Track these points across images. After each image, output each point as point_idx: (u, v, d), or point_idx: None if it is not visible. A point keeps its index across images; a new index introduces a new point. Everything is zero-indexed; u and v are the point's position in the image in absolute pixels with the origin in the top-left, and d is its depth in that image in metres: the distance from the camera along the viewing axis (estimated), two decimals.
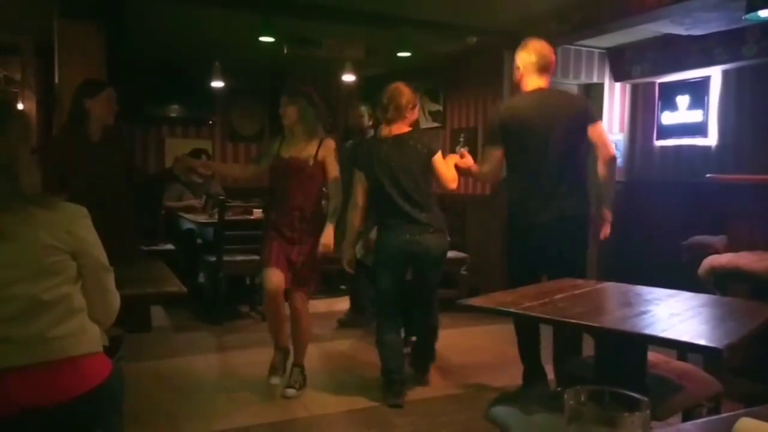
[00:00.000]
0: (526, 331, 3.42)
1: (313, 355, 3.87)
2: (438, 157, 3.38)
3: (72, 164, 3.30)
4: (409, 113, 3.40)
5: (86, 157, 3.33)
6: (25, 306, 1.56)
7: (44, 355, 1.57)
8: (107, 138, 3.45)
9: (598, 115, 3.58)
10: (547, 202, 3.16)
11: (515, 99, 3.50)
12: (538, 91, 3.23)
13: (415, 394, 3.55)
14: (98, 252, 1.72)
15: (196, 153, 6.27)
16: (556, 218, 3.16)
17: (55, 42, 4.22)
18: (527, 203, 3.23)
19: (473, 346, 4.49)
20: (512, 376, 3.79)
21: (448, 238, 3.56)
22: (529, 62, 3.19)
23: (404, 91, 3.37)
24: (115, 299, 1.80)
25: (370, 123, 4.96)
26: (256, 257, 5.09)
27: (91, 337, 1.69)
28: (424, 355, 3.78)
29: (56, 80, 4.24)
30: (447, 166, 3.41)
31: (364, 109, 4.96)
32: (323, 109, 3.64)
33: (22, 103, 5.06)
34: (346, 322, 5.07)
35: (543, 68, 3.20)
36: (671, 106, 5.77)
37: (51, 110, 4.48)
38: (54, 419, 1.57)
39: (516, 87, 3.31)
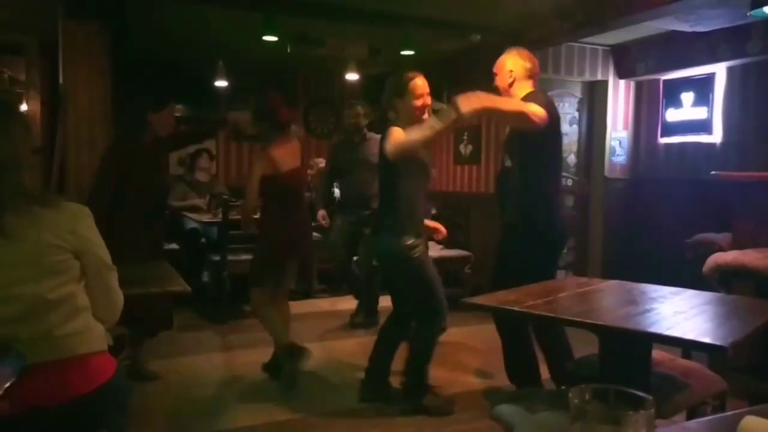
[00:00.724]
0: (515, 341, 3.26)
1: (318, 353, 3.88)
2: None
3: (129, 172, 3.46)
4: None
5: (143, 166, 3.54)
6: (30, 305, 1.57)
7: (50, 354, 1.58)
8: (157, 146, 3.75)
9: None
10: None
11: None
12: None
13: None
14: (101, 251, 1.73)
15: (198, 153, 6.29)
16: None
17: (60, 42, 4.23)
18: (557, 204, 3.24)
19: (477, 344, 4.49)
20: None
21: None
22: (524, 68, 3.16)
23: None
24: (119, 298, 1.81)
25: (367, 122, 4.99)
26: None
27: (95, 336, 1.70)
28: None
29: (60, 80, 4.25)
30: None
31: (360, 108, 4.98)
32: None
33: (27, 103, 5.06)
34: (359, 324, 5.03)
35: (534, 75, 3.19)
36: (676, 103, 5.75)
37: (55, 110, 4.48)
38: (59, 418, 1.57)
39: (498, 91, 3.17)
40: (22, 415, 1.53)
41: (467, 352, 4.30)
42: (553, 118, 3.02)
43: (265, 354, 3.88)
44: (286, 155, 3.62)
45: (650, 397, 0.79)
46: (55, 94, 4.48)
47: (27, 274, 1.57)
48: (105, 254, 1.74)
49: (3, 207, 1.56)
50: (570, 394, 0.81)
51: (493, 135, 6.01)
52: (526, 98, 3.03)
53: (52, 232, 1.61)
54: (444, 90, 6.79)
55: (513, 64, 3.18)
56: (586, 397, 0.81)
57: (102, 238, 1.75)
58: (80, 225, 1.67)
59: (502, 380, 3.72)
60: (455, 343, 4.31)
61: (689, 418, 2.15)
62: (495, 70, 3.22)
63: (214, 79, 6.54)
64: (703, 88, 5.50)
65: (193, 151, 6.26)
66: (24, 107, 4.99)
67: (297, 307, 4.05)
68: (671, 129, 5.83)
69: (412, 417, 3.22)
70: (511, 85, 3.16)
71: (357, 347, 4.41)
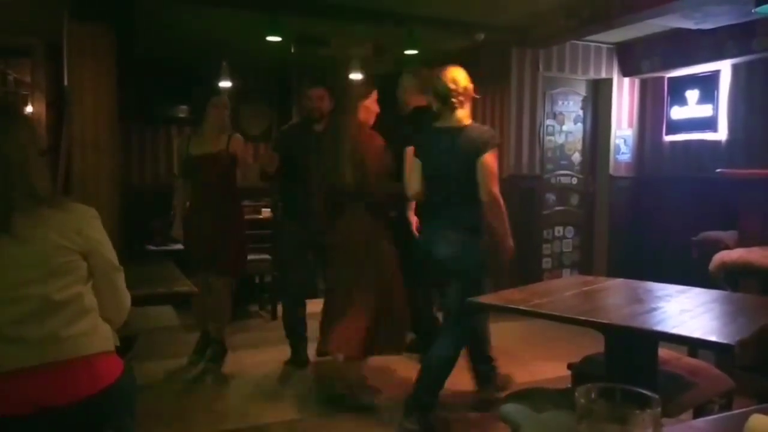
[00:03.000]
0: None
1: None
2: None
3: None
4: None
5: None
6: (37, 306, 1.57)
7: (57, 355, 1.59)
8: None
9: None
10: None
11: None
12: None
13: None
14: (108, 252, 1.74)
15: None
16: None
17: (65, 44, 4.24)
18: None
19: None
20: (523, 373, 3.79)
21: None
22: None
23: None
24: (126, 298, 1.82)
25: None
26: (266, 256, 5.14)
27: (103, 337, 1.71)
28: None
29: (66, 82, 4.26)
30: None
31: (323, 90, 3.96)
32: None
33: (32, 105, 5.08)
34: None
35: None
36: (681, 100, 5.73)
37: (61, 112, 4.50)
38: (66, 418, 1.58)
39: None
40: (29, 416, 1.53)
41: None
42: None
43: (271, 353, 3.88)
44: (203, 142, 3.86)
45: (657, 396, 0.79)
46: (61, 95, 4.49)
47: (34, 275, 1.58)
48: (112, 255, 1.75)
49: (11, 208, 1.57)
50: (576, 393, 0.81)
51: (497, 134, 6.00)
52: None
53: (60, 233, 1.61)
54: None
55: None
56: (593, 396, 0.81)
57: (109, 239, 1.76)
58: (87, 226, 1.68)
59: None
60: None
61: (696, 416, 2.14)
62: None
63: (219, 80, 6.55)
64: (708, 85, 5.48)
65: None
66: (29, 109, 5.01)
67: (313, 306, 4.03)
68: (676, 127, 5.81)
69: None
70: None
71: None
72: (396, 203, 3.54)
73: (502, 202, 2.95)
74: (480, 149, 2.89)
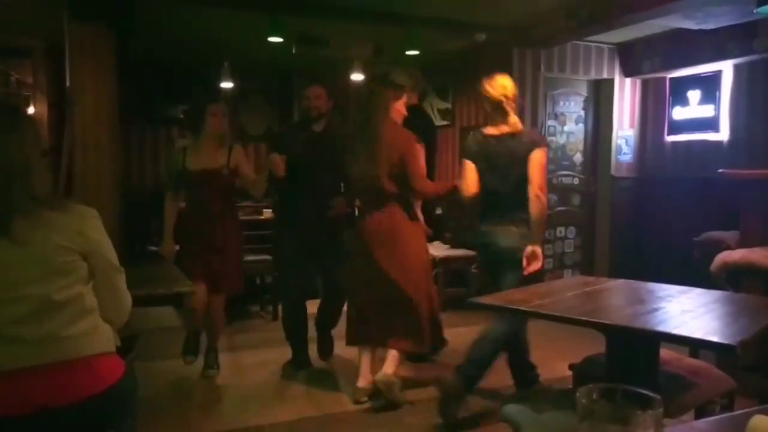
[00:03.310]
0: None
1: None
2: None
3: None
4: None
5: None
6: (37, 306, 1.57)
7: (57, 355, 1.59)
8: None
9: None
10: None
11: None
12: None
13: (426, 392, 3.54)
14: (109, 252, 1.74)
15: None
16: None
17: (66, 44, 4.25)
18: None
19: None
20: None
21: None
22: None
23: None
24: (127, 299, 1.82)
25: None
26: (266, 257, 5.14)
27: (103, 337, 1.70)
28: None
29: (67, 82, 4.26)
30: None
31: (321, 89, 3.84)
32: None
33: (34, 105, 5.09)
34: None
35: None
36: (682, 101, 5.73)
37: (62, 113, 4.50)
38: (67, 419, 1.58)
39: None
40: (30, 416, 1.53)
41: None
42: None
43: (272, 354, 3.88)
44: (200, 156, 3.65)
45: (658, 397, 0.78)
46: (62, 96, 4.50)
47: (34, 275, 1.58)
48: (112, 256, 1.75)
49: (12, 212, 1.57)
50: (578, 394, 0.81)
51: None
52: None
53: (60, 234, 1.61)
54: (449, 89, 6.80)
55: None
56: (594, 396, 0.81)
57: (110, 240, 1.75)
58: (88, 226, 1.68)
59: (509, 380, 3.72)
60: (461, 342, 4.29)
61: (697, 417, 2.14)
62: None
63: (220, 80, 6.56)
64: (709, 85, 5.47)
65: None
66: (31, 109, 5.02)
67: (311, 306, 4.04)
68: (678, 127, 5.81)
69: (420, 416, 3.22)
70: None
71: None
72: (440, 201, 3.61)
73: (545, 198, 3.15)
74: (531, 149, 3.14)
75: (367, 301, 3.42)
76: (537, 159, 3.12)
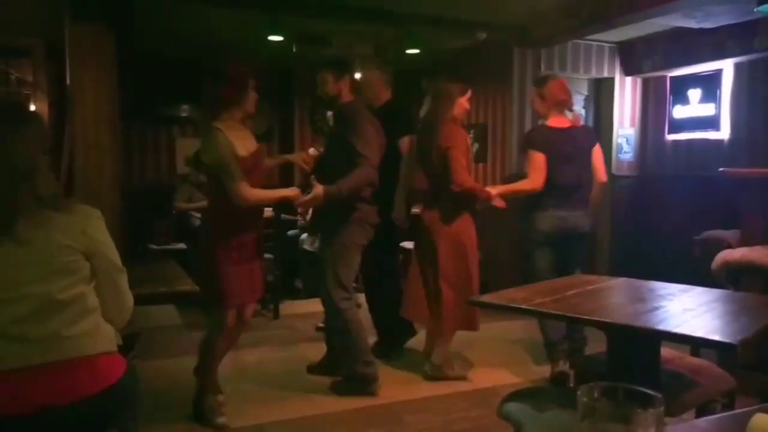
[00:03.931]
0: None
1: (323, 352, 3.89)
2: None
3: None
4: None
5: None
6: (39, 305, 1.58)
7: (59, 354, 1.59)
8: None
9: None
10: None
11: None
12: None
13: (426, 390, 3.55)
14: (111, 252, 1.74)
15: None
16: None
17: (66, 43, 4.25)
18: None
19: (485, 342, 4.48)
20: (525, 372, 3.79)
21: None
22: None
23: None
24: (129, 299, 1.82)
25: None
26: (268, 255, 5.12)
27: (105, 337, 1.71)
28: None
29: (68, 81, 4.26)
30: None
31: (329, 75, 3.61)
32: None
33: (34, 104, 5.09)
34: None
35: None
36: (683, 99, 5.73)
37: (63, 112, 4.51)
38: (69, 418, 1.58)
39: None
40: (31, 415, 1.54)
41: (473, 350, 4.30)
42: None
43: (273, 352, 3.87)
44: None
45: (659, 395, 0.78)
46: (63, 95, 4.50)
47: (36, 274, 1.58)
48: (115, 256, 1.75)
49: (16, 212, 1.57)
50: (579, 393, 0.81)
51: (499, 134, 5.99)
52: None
53: (63, 233, 1.61)
54: None
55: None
56: (595, 395, 0.81)
57: (112, 240, 1.75)
58: (91, 226, 1.68)
59: (510, 378, 3.73)
60: (461, 341, 4.29)
61: (698, 416, 2.14)
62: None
63: None
64: (710, 84, 5.47)
65: (196, 152, 6.27)
66: (32, 109, 5.02)
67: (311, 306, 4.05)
68: (678, 126, 5.81)
69: (420, 414, 3.22)
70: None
71: None
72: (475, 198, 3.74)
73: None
74: (594, 141, 3.73)
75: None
76: (602, 153, 3.73)
